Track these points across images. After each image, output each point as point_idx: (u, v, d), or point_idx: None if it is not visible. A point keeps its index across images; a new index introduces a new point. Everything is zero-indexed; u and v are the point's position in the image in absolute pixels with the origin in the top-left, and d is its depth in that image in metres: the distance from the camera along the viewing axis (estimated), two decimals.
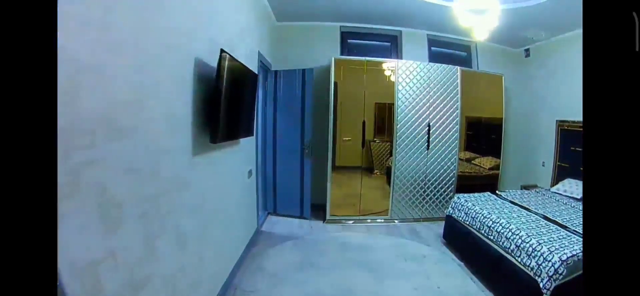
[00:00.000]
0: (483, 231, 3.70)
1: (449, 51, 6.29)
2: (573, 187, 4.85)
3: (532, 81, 6.38)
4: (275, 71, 5.25)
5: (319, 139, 5.41)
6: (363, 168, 5.18)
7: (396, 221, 5.30)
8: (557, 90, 5.81)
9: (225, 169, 3.24)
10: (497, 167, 5.78)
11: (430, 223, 5.35)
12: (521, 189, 5.74)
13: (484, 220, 3.72)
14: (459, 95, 5.31)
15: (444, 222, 4.71)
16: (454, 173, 5.42)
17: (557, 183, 5.42)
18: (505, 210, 3.86)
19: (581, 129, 4.84)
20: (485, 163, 5.63)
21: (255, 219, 4.58)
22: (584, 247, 1.19)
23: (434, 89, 5.20)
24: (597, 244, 1.08)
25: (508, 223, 3.41)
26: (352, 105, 5.06)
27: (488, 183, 5.66)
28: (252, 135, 3.80)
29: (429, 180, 5.33)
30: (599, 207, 1.08)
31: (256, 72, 4.07)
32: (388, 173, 5.16)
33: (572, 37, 5.41)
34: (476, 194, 4.54)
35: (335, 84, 4.96)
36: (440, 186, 5.40)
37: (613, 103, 1.07)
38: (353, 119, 5.06)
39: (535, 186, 5.82)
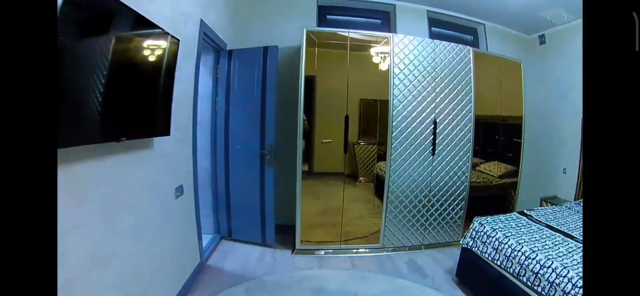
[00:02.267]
0: (527, 279, 2.62)
1: (452, 32, 5.22)
2: None
3: (548, 72, 5.53)
4: (230, 51, 4.00)
5: (285, 141, 4.19)
6: (346, 175, 3.96)
7: (390, 250, 4.07)
8: (581, 83, 4.69)
9: (113, 191, 1.97)
10: (509, 174, 4.73)
11: (435, 251, 4.17)
12: (543, 203, 4.98)
13: (527, 262, 2.65)
14: (472, 83, 4.17)
15: (455, 251, 3.83)
16: (465, 185, 4.26)
17: (581, 193, 4.69)
18: (549, 243, 2.87)
19: None
20: (493, 169, 4.58)
21: (196, 251, 3.35)
22: (584, 253, 1.19)
23: (441, 75, 4.03)
24: (598, 249, 1.08)
25: (563, 268, 2.40)
26: (333, 102, 3.88)
27: (500, 195, 4.72)
28: (168, 134, 2.49)
29: (434, 196, 4.14)
30: (600, 209, 1.09)
31: (196, 50, 3.13)
32: (376, 181, 4.03)
33: None
34: (502, 217, 3.46)
35: (313, 78, 3.78)
36: (449, 202, 4.23)
37: (613, 103, 1.08)
38: (334, 119, 3.88)
39: (554, 198, 5.15)
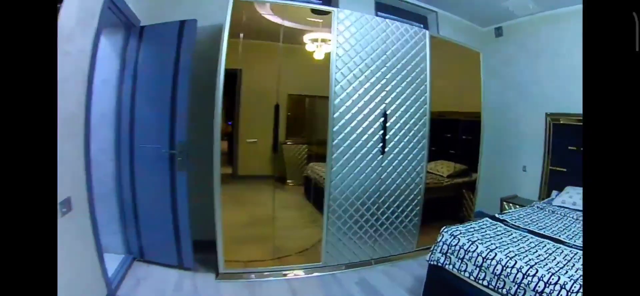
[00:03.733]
0: None
1: (400, 19, 4.74)
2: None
3: (506, 66, 5.38)
4: (142, 28, 3.31)
5: (204, 139, 3.48)
6: (275, 178, 3.36)
7: (335, 268, 3.48)
8: (544, 77, 4.94)
9: None
10: (459, 174, 4.39)
11: (389, 265, 3.65)
12: (504, 204, 4.84)
13: (526, 281, 2.26)
14: (427, 70, 3.72)
15: (411, 264, 3.61)
16: (420, 189, 3.79)
17: (548, 192, 4.77)
18: (542, 252, 2.58)
19: (571, 123, 4.59)
20: (441, 169, 4.19)
21: (100, 280, 2.66)
22: (584, 254, 1.19)
23: (393, 60, 3.51)
24: (598, 250, 1.08)
25: (574, 282, 2.10)
26: (260, 98, 3.32)
27: (452, 196, 4.40)
28: None
29: (384, 202, 3.61)
30: (601, 211, 1.09)
31: (98, 19, 2.47)
32: (306, 184, 3.52)
33: (566, 13, 4.64)
34: (475, 225, 3.07)
35: (238, 71, 3.17)
36: (402, 208, 3.72)
37: (613, 104, 1.10)
38: (260, 117, 3.32)
39: (515, 197, 5.04)
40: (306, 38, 3.29)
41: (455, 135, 4.44)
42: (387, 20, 3.52)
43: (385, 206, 3.59)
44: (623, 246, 1.04)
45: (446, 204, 4.36)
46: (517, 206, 4.55)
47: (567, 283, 2.09)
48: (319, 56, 3.27)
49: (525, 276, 2.26)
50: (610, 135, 1.09)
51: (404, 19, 4.78)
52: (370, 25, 3.40)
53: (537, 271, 2.24)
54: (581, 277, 2.14)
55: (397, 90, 3.52)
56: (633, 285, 1.01)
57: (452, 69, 4.21)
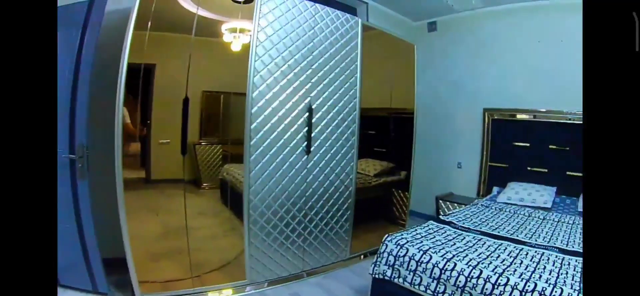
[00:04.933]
0: None
1: (330, 6, 4.54)
2: (533, 193, 4.16)
3: (442, 61, 5.40)
4: None
5: (105, 139, 2.97)
6: (186, 182, 2.96)
7: (263, 284, 3.13)
8: (482, 73, 5.01)
9: None
10: (386, 172, 4.23)
11: (322, 277, 3.38)
12: (440, 202, 4.86)
13: (498, 291, 2.08)
14: (358, 62, 3.49)
15: (346, 273, 3.40)
16: (351, 191, 3.56)
17: (487, 189, 4.84)
18: (505, 256, 2.50)
19: (511, 118, 4.74)
20: (367, 167, 4.00)
21: None
22: (584, 255, 1.20)
23: (320, 48, 3.22)
24: (598, 251, 1.10)
25: (548, 285, 2.03)
26: (173, 96, 2.90)
27: (381, 196, 4.27)
28: None
29: (311, 207, 3.31)
30: (601, 212, 1.11)
31: None
32: (222, 187, 3.16)
33: (505, 10, 4.78)
34: (421, 231, 2.89)
35: (153, 66, 2.76)
36: (331, 213, 3.45)
37: (613, 104, 1.12)
38: (174, 115, 2.90)
39: (450, 195, 5.10)
40: (224, 28, 2.93)
41: (384, 132, 4.31)
42: (316, 5, 3.23)
43: (312, 212, 3.30)
44: (623, 247, 1.05)
45: (376, 205, 4.22)
46: (455, 205, 4.59)
47: (545, 289, 1.98)
48: (236, 47, 2.91)
49: (496, 287, 2.08)
50: (610, 135, 1.11)
51: (333, 8, 4.53)
52: (297, 9, 3.09)
53: (508, 279, 2.09)
54: (558, 281, 2.10)
55: (324, 82, 3.25)
56: (633, 286, 1.02)
57: (383, 62, 4.05)
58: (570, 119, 4.26)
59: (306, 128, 3.15)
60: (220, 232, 3.11)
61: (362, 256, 3.74)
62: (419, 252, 2.44)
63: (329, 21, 3.28)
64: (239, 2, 2.93)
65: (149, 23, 2.58)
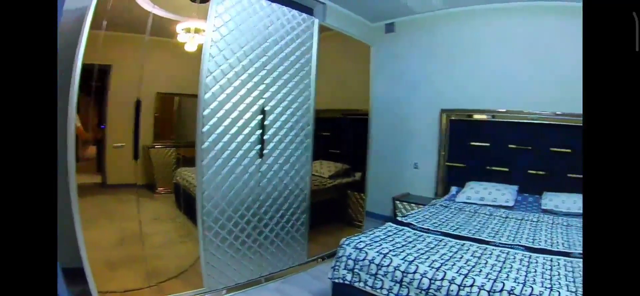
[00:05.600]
0: None
1: (287, 6, 4.53)
2: (493, 192, 4.24)
3: (399, 62, 5.48)
4: None
5: (60, 144, 2.80)
6: (142, 186, 2.88)
7: (222, 291, 3.07)
8: (440, 74, 5.14)
9: None
10: (342, 174, 4.26)
11: (281, 282, 3.36)
12: (397, 203, 4.93)
13: (463, 293, 2.06)
14: (313, 63, 3.49)
15: (305, 278, 3.39)
16: (306, 194, 3.56)
17: (445, 189, 4.94)
18: (469, 256, 2.49)
19: (469, 119, 4.85)
20: (322, 169, 4.03)
21: None
22: (584, 255, 1.20)
23: (275, 49, 3.19)
24: (599, 251, 1.10)
25: (517, 284, 2.04)
26: (129, 97, 2.80)
27: (337, 198, 4.30)
28: None
29: (266, 212, 3.27)
30: (601, 211, 1.12)
31: None
32: (176, 191, 3.09)
33: (464, 12, 4.91)
34: (379, 233, 2.87)
35: (109, 67, 2.67)
36: (286, 216, 3.44)
37: (613, 104, 1.12)
38: (130, 118, 2.81)
39: (407, 195, 5.17)
40: (179, 28, 2.86)
41: (339, 133, 4.33)
42: (273, 4, 3.20)
43: (267, 216, 3.26)
44: (623, 247, 1.06)
45: (332, 208, 4.24)
46: (413, 205, 4.66)
47: (515, 288, 1.98)
48: (191, 47, 2.84)
49: (462, 288, 2.07)
50: (610, 135, 1.12)
51: (291, 8, 4.54)
52: (253, 8, 3.04)
53: (474, 280, 2.08)
54: (527, 280, 2.10)
55: (279, 83, 3.23)
56: (634, 286, 1.02)
57: (340, 63, 4.09)
58: (530, 119, 4.42)
59: (259, 131, 3.11)
60: (176, 238, 3.05)
61: (320, 260, 3.75)
62: (379, 255, 2.43)
63: (285, 21, 3.26)
64: (195, 1, 2.87)
65: (105, 22, 2.47)
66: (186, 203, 2.96)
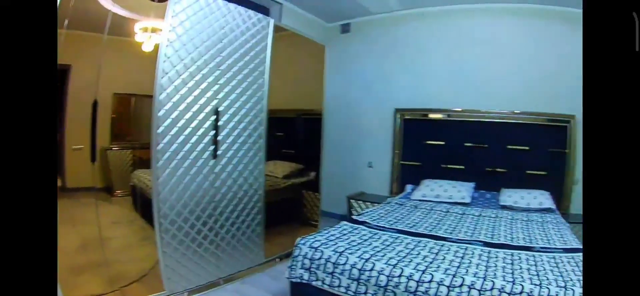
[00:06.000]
0: None
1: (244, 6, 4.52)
2: (449, 189, 4.31)
3: (354, 62, 5.55)
4: None
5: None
6: (99, 190, 2.84)
7: (183, 294, 3.04)
8: (395, 74, 5.23)
9: None
10: (296, 174, 4.30)
11: (239, 283, 3.37)
12: (351, 202, 4.96)
13: (423, 288, 2.09)
14: (267, 63, 3.52)
15: (263, 279, 3.40)
16: (260, 195, 3.57)
17: (400, 187, 5.02)
18: (426, 253, 2.51)
19: (425, 118, 4.95)
20: (276, 169, 4.05)
21: None
22: (584, 255, 1.22)
23: (230, 49, 3.19)
24: (599, 252, 1.11)
25: (478, 279, 2.05)
26: (87, 99, 2.72)
27: (291, 198, 4.33)
28: None
29: (221, 213, 3.26)
30: (600, 211, 1.12)
31: None
32: (134, 194, 3.07)
33: (422, 13, 5.03)
34: (334, 232, 2.89)
35: (68, 67, 2.60)
36: (242, 217, 3.44)
37: (613, 104, 1.13)
38: (87, 120, 2.73)
39: (362, 194, 5.24)
40: (137, 27, 2.80)
41: (294, 133, 4.37)
42: (229, 4, 3.20)
43: (223, 217, 3.26)
44: (623, 247, 1.06)
45: (287, 208, 4.27)
46: (368, 204, 4.71)
47: (475, 283, 1.99)
48: (149, 47, 2.79)
49: (420, 284, 2.09)
50: (610, 135, 1.12)
51: (247, 8, 4.53)
52: (210, 8, 3.03)
53: (432, 276, 2.10)
54: (487, 274, 2.10)
55: (232, 83, 3.23)
56: (634, 286, 1.03)
57: (294, 63, 4.14)
58: (488, 118, 4.58)
59: (213, 132, 3.11)
60: (135, 242, 3.03)
61: (278, 260, 3.79)
62: (335, 254, 2.44)
63: (241, 21, 3.27)
64: (154, 0, 2.82)
65: (66, 21, 2.39)
66: (143, 205, 2.90)
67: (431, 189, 4.35)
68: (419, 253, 2.47)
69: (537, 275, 2.13)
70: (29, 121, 1.02)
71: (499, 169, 4.57)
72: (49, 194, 1.05)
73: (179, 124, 2.86)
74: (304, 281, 2.53)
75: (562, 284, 1.97)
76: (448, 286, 2.02)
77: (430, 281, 2.07)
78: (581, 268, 2.18)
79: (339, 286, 2.36)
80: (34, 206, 1.02)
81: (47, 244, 1.05)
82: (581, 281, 1.96)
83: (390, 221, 3.35)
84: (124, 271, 2.88)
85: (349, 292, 2.33)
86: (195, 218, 3.04)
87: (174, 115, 2.82)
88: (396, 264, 2.26)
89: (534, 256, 2.48)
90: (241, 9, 3.29)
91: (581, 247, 2.55)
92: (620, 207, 1.08)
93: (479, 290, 1.95)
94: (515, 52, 4.56)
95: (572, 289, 1.91)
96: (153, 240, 2.88)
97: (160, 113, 2.74)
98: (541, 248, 2.66)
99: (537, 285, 1.95)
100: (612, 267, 1.06)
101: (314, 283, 2.48)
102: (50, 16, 1.05)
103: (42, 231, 1.03)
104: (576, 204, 4.31)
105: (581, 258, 2.29)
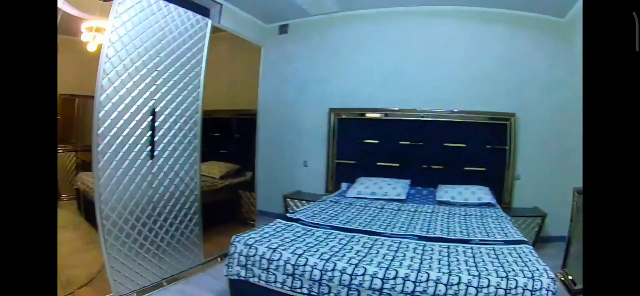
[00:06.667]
0: None
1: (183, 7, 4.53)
2: (384, 187, 4.38)
3: (291, 62, 5.65)
4: None
5: None
6: None
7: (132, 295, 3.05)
8: (331, 74, 5.35)
9: None
10: (232, 174, 4.37)
11: (182, 283, 3.40)
12: (288, 201, 5.03)
13: (357, 281, 2.16)
14: (203, 64, 3.59)
15: (206, 279, 3.43)
16: (196, 195, 3.62)
17: (335, 185, 5.09)
18: (360, 247, 2.58)
19: (361, 117, 5.09)
20: (213, 170, 4.13)
21: None
22: (584, 255, 1.22)
23: (168, 50, 3.23)
24: (599, 251, 1.12)
25: (412, 272, 2.11)
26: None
27: (228, 198, 4.40)
28: None
29: (160, 213, 3.29)
30: (600, 210, 1.13)
31: None
32: (78, 197, 3.08)
33: (359, 15, 5.16)
34: (269, 230, 2.96)
35: None
36: (180, 218, 3.48)
37: (613, 104, 1.14)
38: None
39: (298, 193, 5.34)
40: (83, 27, 2.78)
41: (230, 134, 4.42)
42: (170, 5, 3.23)
43: (161, 218, 3.29)
44: (623, 246, 1.07)
45: (225, 208, 4.32)
46: (304, 202, 4.77)
47: (409, 275, 2.07)
48: (92, 47, 2.78)
49: (353, 277, 2.17)
50: (610, 135, 1.13)
51: (188, 9, 4.50)
52: (151, 9, 3.06)
53: (365, 270, 2.17)
54: (422, 266, 2.18)
55: (169, 84, 3.27)
56: (634, 284, 1.04)
57: (231, 63, 4.21)
58: (425, 117, 4.80)
59: (150, 132, 3.13)
60: (81, 245, 3.00)
61: (219, 259, 3.84)
62: (268, 250, 2.52)
63: (180, 22, 3.32)
64: (101, 0, 2.81)
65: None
66: (87, 208, 2.90)
67: (366, 186, 4.44)
68: (352, 248, 2.55)
69: (476, 266, 2.20)
70: (29, 120, 1.02)
71: (434, 166, 4.79)
72: (49, 194, 1.08)
73: (118, 125, 2.87)
74: (241, 278, 2.60)
75: (503, 274, 2.03)
76: (382, 279, 2.10)
77: (363, 275, 2.16)
78: (523, 260, 2.30)
79: (275, 281, 2.44)
80: (34, 206, 1.03)
81: (47, 244, 1.08)
82: (524, 272, 2.05)
83: (324, 218, 3.42)
84: (74, 276, 2.85)
85: (285, 287, 2.40)
86: (135, 219, 3.06)
87: (113, 116, 2.83)
88: (329, 258, 2.34)
89: (471, 248, 2.56)
90: (181, 10, 3.34)
91: (523, 239, 2.78)
92: (621, 207, 1.09)
93: (413, 282, 2.04)
94: (455, 53, 4.81)
95: (515, 279, 1.97)
96: (98, 243, 2.87)
97: (101, 114, 2.74)
98: (480, 240, 2.75)
99: (475, 275, 2.02)
100: (612, 267, 1.08)
101: (250, 279, 2.56)
102: (51, 16, 1.08)
103: (42, 232, 1.06)
104: (518, 199, 4.62)
105: (523, 249, 2.50)
